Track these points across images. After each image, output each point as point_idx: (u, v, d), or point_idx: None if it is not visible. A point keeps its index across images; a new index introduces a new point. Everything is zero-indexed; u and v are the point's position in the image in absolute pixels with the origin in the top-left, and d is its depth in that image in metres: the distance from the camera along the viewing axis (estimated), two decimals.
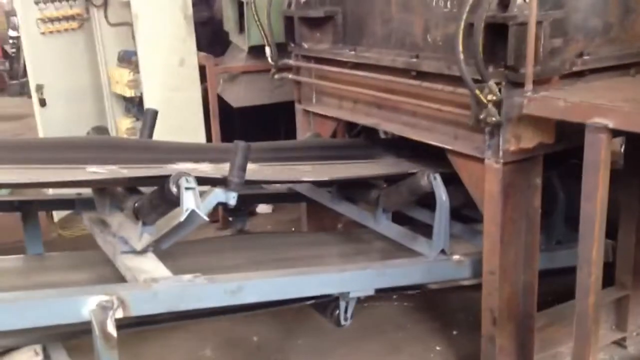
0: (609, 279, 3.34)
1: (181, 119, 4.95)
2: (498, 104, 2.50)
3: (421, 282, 2.79)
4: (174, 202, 2.33)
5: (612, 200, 3.50)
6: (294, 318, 3.44)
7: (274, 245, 3.35)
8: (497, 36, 2.46)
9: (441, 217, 2.80)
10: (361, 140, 3.70)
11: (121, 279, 2.57)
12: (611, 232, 3.35)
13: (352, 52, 3.42)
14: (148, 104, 5.00)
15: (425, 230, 3.27)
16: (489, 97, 2.48)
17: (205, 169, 2.70)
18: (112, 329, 2.08)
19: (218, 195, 2.39)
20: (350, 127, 4.11)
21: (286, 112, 5.71)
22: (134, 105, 5.49)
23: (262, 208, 5.26)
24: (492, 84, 2.45)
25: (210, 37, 5.61)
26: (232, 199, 2.40)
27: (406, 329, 3.47)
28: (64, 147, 2.77)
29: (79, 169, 2.59)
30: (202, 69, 4.90)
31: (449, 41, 2.89)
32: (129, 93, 5.21)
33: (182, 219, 2.23)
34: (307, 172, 2.99)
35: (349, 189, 3.42)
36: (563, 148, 2.70)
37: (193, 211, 2.23)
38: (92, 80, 5.48)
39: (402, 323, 3.51)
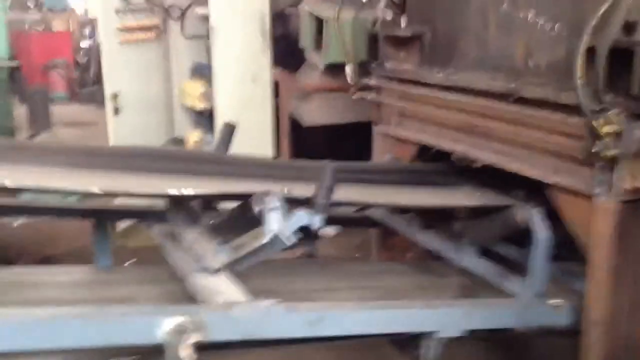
0: None
1: (251, 135, 4.84)
2: (616, 137, 2.26)
3: (513, 326, 2.53)
4: (256, 222, 2.18)
5: None
6: (357, 352, 3.22)
7: (347, 272, 3.16)
8: (619, 62, 2.24)
9: (539, 255, 2.55)
10: (444, 165, 3.48)
11: (191, 299, 2.43)
12: None
13: (440, 75, 3.23)
14: (219, 117, 4.95)
15: (510, 266, 3.04)
16: (607, 128, 2.24)
17: (289, 188, 2.55)
18: (188, 353, 1.92)
19: (302, 217, 2.23)
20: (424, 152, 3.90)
21: (358, 133, 5.58)
22: (204, 118, 5.44)
23: (326, 231, 5.09)
24: (612, 115, 2.22)
25: (284, 53, 5.53)
26: (317, 221, 2.23)
27: None
28: (144, 155, 2.68)
29: (161, 180, 2.49)
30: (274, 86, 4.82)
31: (554, 67, 2.68)
32: (200, 106, 5.17)
33: (264, 241, 2.07)
34: (395, 196, 2.79)
35: (429, 217, 3.20)
36: None
37: (277, 234, 2.06)
38: (164, 91, 5.48)
39: None
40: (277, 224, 2.09)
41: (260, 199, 2.14)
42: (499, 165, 2.90)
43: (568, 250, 2.69)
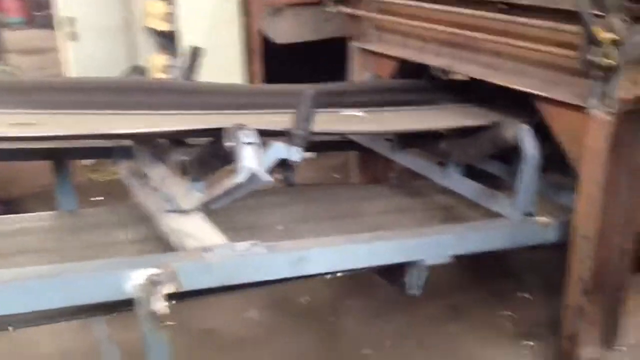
0: None
1: (220, 56, 4.59)
2: (615, 44, 2.08)
3: (503, 247, 2.44)
4: (230, 158, 2.00)
5: None
6: (345, 280, 3.14)
7: (328, 199, 3.01)
8: None
9: (528, 174, 2.43)
10: (426, 81, 3.28)
11: (162, 242, 2.29)
12: None
13: None
14: (185, 39, 4.64)
15: (494, 183, 2.93)
16: (606, 35, 2.05)
17: (264, 119, 2.36)
18: (162, 305, 1.79)
19: (279, 150, 2.05)
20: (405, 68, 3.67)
21: (333, 51, 5.31)
22: (170, 40, 5.12)
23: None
24: (614, 19, 2.03)
25: None
26: (295, 154, 2.05)
27: (468, 292, 3.15)
28: (101, 89, 2.44)
29: (123, 116, 2.28)
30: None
31: None
32: (164, 27, 4.83)
33: (240, 179, 1.89)
34: (379, 122, 2.61)
35: (414, 138, 3.04)
36: None
37: (253, 172, 1.89)
38: (125, 14, 5.12)
39: (462, 285, 3.20)
40: (253, 159, 1.91)
41: (233, 134, 1.95)
42: (485, 79, 2.71)
43: (553, 163, 2.57)
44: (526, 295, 3.06)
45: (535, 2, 2.42)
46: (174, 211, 2.31)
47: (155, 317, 1.79)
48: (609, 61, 2.09)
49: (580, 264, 2.37)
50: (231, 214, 2.56)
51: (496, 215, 2.62)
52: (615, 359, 2.52)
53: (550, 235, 2.47)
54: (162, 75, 4.95)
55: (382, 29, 3.43)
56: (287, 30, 4.60)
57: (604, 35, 2.03)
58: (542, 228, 2.46)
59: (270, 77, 4.91)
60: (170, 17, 4.75)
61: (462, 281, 3.16)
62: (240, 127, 1.96)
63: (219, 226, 2.28)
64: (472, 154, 2.67)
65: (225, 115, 2.47)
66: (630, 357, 2.53)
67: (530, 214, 2.48)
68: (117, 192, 4.21)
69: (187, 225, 2.22)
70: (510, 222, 2.45)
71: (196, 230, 2.18)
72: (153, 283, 1.80)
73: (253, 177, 1.92)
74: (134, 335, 1.86)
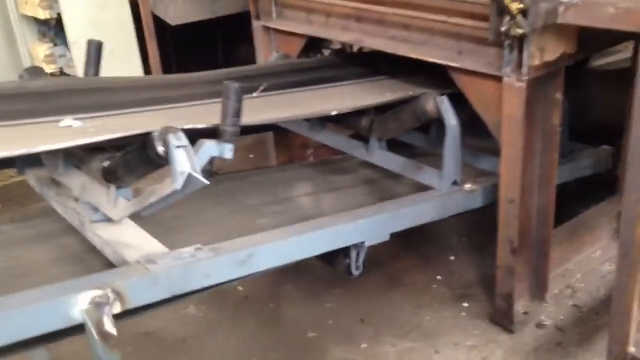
0: (605, 188, 3.27)
1: (111, 41, 4.33)
2: (524, 13, 2.16)
3: (435, 218, 2.53)
4: (160, 163, 1.90)
5: (612, 103, 3.36)
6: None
7: (252, 186, 2.97)
8: None
9: (451, 144, 2.51)
10: (335, 58, 3.28)
11: (95, 252, 2.17)
12: (610, 138, 3.22)
13: None
14: (70, 26, 4.37)
15: (411, 152, 3.01)
16: (515, 5, 2.13)
17: (186, 113, 2.27)
18: (110, 327, 1.70)
19: (211, 148, 1.97)
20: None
21: (225, 27, 5.17)
22: (50, 28, 4.78)
23: None
24: None
25: None
26: (228, 151, 1.99)
27: (401, 259, 3.25)
28: None
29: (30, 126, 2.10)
30: None
31: None
32: (43, 14, 4.50)
33: (178, 186, 1.81)
34: (303, 106, 2.58)
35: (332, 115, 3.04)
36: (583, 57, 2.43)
37: (190, 174, 1.81)
38: None
39: (394, 252, 3.29)
40: (187, 163, 1.83)
41: (162, 138, 1.85)
42: (398, 53, 2.74)
43: (468, 128, 2.67)
44: (452, 257, 3.19)
45: None
46: (102, 221, 2.19)
47: (105, 339, 1.70)
48: (519, 30, 2.17)
49: (508, 226, 2.50)
50: (154, 215, 2.46)
51: (421, 185, 2.70)
52: (544, 309, 2.70)
53: (476, 201, 2.58)
54: (46, 66, 4.64)
55: (284, 6, 3.37)
56: (180, 10, 4.42)
57: (513, 5, 2.11)
58: (469, 195, 2.56)
59: (166, 59, 4.73)
60: (49, 3, 4.43)
61: (393, 250, 3.24)
62: (170, 130, 1.86)
63: (147, 229, 2.19)
64: (394, 128, 2.72)
65: (143, 113, 2.34)
66: (555, 306, 2.73)
67: (456, 183, 2.57)
68: (18, 198, 3.94)
69: (121, 235, 2.11)
70: (440, 193, 2.53)
71: (132, 240, 2.08)
72: (98, 305, 1.71)
73: (190, 181, 1.84)
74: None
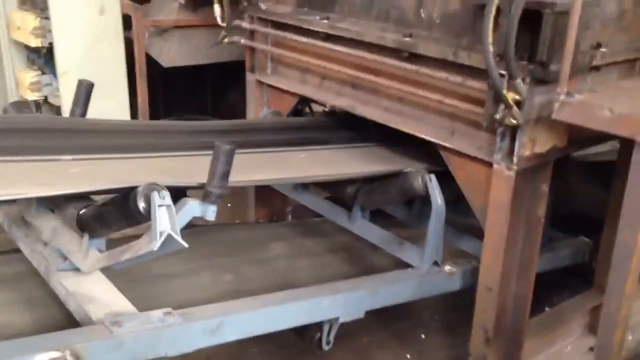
0: (580, 278, 3.26)
1: (101, 77, 4.27)
2: (519, 104, 2.17)
3: (412, 298, 2.48)
4: (140, 219, 1.83)
5: (593, 195, 3.39)
6: None
7: (229, 242, 2.90)
8: (523, 24, 2.11)
9: (436, 225, 2.48)
10: (326, 119, 3.27)
11: (58, 305, 2.07)
12: (589, 229, 3.23)
13: (325, 21, 2.94)
14: (61, 56, 4.31)
15: (393, 223, 2.98)
16: (511, 96, 2.14)
17: (168, 165, 2.21)
18: None
19: (194, 208, 1.92)
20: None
21: (216, 73, 5.18)
22: (40, 56, 4.72)
23: None
24: (519, 83, 2.11)
25: None
26: (211, 212, 1.93)
27: (371, 332, 3.16)
28: None
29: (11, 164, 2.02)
30: (124, 19, 4.23)
31: (449, 19, 2.53)
32: (35, 43, 4.44)
33: (155, 247, 1.74)
34: (293, 170, 2.53)
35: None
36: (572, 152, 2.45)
37: (170, 234, 1.75)
38: None
39: (365, 324, 3.18)
40: (168, 223, 1.77)
41: (145, 194, 1.79)
42: (388, 124, 2.74)
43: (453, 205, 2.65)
44: (423, 336, 3.12)
45: (439, 55, 2.46)
46: (69, 270, 2.09)
47: None
48: (514, 121, 2.18)
49: (483, 314, 2.46)
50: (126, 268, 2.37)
51: (400, 260, 2.66)
52: None
53: (455, 284, 2.55)
54: (30, 93, 4.56)
55: (279, 62, 3.37)
56: (175, 53, 4.41)
57: (510, 95, 2.12)
58: (448, 277, 2.52)
59: (154, 99, 4.69)
60: (42, 32, 4.38)
61: (364, 321, 3.14)
62: (154, 187, 1.80)
63: (115, 280, 2.10)
64: (379, 200, 2.69)
65: (128, 160, 2.28)
66: None
67: (436, 264, 2.53)
68: None
69: (87, 287, 2.02)
70: (419, 273, 2.49)
71: (99, 294, 1.98)
72: None
73: (168, 242, 1.78)
74: None
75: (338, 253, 2.93)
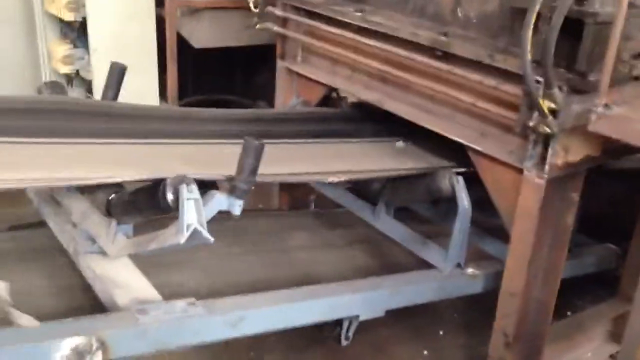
0: (607, 286, 3.23)
1: (132, 55, 4.32)
2: (554, 113, 2.14)
3: (433, 299, 2.48)
4: (167, 210, 1.85)
5: (621, 201, 3.34)
6: None
7: (252, 231, 2.92)
8: (562, 32, 2.06)
9: (461, 227, 2.47)
10: (354, 111, 3.24)
11: (84, 287, 2.10)
12: (616, 237, 3.19)
13: (359, 14, 2.91)
14: (93, 32, 4.33)
15: (415, 219, 2.96)
16: (547, 104, 2.11)
17: (196, 153, 2.22)
18: None
19: (220, 202, 1.93)
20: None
21: (246, 53, 5.16)
22: (73, 29, 4.74)
23: None
24: (556, 92, 2.07)
25: None
26: (237, 207, 1.94)
27: (389, 326, 3.17)
28: (8, 110, 2.18)
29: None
30: None
31: (486, 20, 2.49)
32: (68, 16, 4.46)
33: (182, 240, 1.75)
34: (320, 165, 2.52)
35: None
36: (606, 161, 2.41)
37: (197, 229, 1.76)
38: None
39: (383, 318, 3.19)
40: (195, 216, 1.78)
41: (174, 186, 1.80)
42: (419, 123, 2.71)
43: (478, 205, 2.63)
44: (442, 332, 3.12)
45: (474, 56, 2.42)
46: (99, 253, 2.13)
47: None
48: (548, 129, 2.15)
49: (505, 319, 2.44)
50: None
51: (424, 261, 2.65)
52: None
53: (477, 286, 2.54)
54: (62, 66, 4.60)
55: (310, 51, 3.35)
56: (206, 33, 4.41)
57: (546, 104, 2.08)
58: (471, 280, 2.51)
59: (183, 79, 4.71)
60: (76, 6, 4.40)
61: (383, 316, 3.18)
62: (183, 180, 1.81)
63: (140, 264, 2.13)
64: (405, 198, 2.68)
65: (158, 147, 2.30)
66: None
67: (459, 266, 2.52)
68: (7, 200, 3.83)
69: (114, 272, 2.05)
70: (441, 275, 2.48)
71: (125, 279, 2.01)
72: (79, 354, 1.64)
73: (194, 235, 1.79)
74: None
75: (360, 245, 2.93)
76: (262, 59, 4.84)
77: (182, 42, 4.50)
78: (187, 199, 1.78)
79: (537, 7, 1.98)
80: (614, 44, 1.90)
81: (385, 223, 2.78)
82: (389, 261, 2.73)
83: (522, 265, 2.38)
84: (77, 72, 4.77)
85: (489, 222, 2.81)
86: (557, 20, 1.94)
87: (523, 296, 2.43)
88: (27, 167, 1.90)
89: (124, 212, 2.03)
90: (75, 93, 4.67)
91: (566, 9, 1.93)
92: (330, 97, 3.38)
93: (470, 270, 2.54)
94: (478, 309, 3.04)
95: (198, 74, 5.15)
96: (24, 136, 2.10)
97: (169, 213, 1.88)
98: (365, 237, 3.05)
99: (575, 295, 3.25)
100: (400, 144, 2.77)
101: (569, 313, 3.21)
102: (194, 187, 1.81)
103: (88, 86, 4.65)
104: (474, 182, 2.54)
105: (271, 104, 3.95)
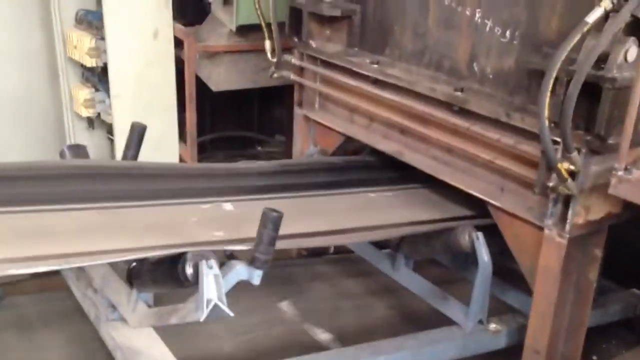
0: (632, 328, 3.17)
1: (152, 98, 4.38)
2: (573, 175, 2.12)
3: (456, 357, 2.45)
4: (187, 285, 1.87)
5: None
6: None
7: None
8: (580, 94, 2.05)
9: (482, 282, 2.45)
10: (371, 158, 3.24)
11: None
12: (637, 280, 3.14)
13: (375, 66, 2.93)
14: (114, 77, 4.39)
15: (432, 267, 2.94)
16: (566, 166, 2.09)
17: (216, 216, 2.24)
18: None
19: (240, 273, 1.94)
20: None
21: (262, 95, 5.23)
22: (94, 74, 4.82)
23: None
24: (576, 156, 2.06)
25: (181, 4, 4.94)
26: (256, 277, 1.95)
27: None
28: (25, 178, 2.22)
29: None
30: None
31: (502, 76, 2.48)
32: (90, 63, 4.54)
33: (201, 317, 1.76)
34: (339, 222, 2.52)
35: None
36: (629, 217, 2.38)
37: (217, 304, 1.77)
38: (45, 42, 4.76)
39: None
40: (215, 291, 1.79)
41: (194, 261, 1.82)
42: (438, 176, 2.71)
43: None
44: None
45: (492, 114, 2.41)
46: (120, 320, 2.15)
47: None
48: (567, 191, 2.13)
49: None
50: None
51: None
52: None
53: (500, 342, 2.51)
54: (84, 110, 4.68)
55: (327, 99, 3.37)
56: (223, 77, 4.46)
57: (564, 166, 2.07)
58: (493, 336, 2.48)
59: (201, 119, 4.76)
60: (97, 52, 4.48)
61: None
62: (202, 255, 1.83)
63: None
64: (424, 252, 2.67)
65: (178, 205, 2.32)
66: None
67: (481, 322, 2.50)
68: None
69: (134, 341, 2.06)
70: (463, 332, 2.46)
71: (145, 349, 2.03)
72: None
73: (215, 311, 1.80)
74: None
75: (381, 296, 2.92)
76: (278, 95, 4.89)
77: (200, 81, 4.55)
78: (207, 275, 1.79)
79: (555, 73, 1.97)
80: (633, 110, 1.89)
81: (405, 276, 2.77)
82: (412, 311, 2.71)
83: (545, 322, 2.36)
84: (99, 115, 4.85)
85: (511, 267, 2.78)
86: (575, 88, 1.93)
87: (547, 353, 2.40)
88: (49, 241, 1.92)
89: (143, 282, 2.05)
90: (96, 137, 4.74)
91: (583, 78, 1.92)
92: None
93: (493, 326, 2.51)
94: (502, 356, 3.00)
95: (216, 112, 5.21)
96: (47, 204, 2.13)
97: (189, 287, 1.89)
98: (387, 286, 3.03)
99: (600, 339, 3.20)
100: None
101: (594, 357, 3.16)
102: (214, 262, 1.83)
103: (109, 128, 4.72)
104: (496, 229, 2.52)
105: (289, 138, 3.96)
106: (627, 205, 2.31)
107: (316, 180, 2.90)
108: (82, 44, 4.41)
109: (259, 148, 5.64)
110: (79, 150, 2.56)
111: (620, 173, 1.99)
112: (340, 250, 3.51)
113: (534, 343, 2.39)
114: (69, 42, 4.65)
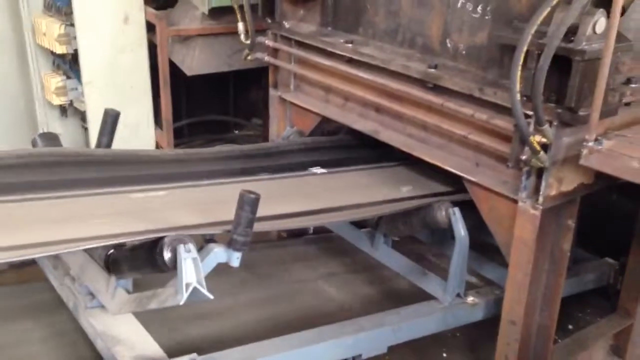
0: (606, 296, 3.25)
1: (126, 85, 4.34)
2: (545, 147, 2.15)
3: (435, 331, 2.49)
4: (165, 269, 1.86)
5: (620, 215, 3.35)
6: None
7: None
8: (550, 67, 2.07)
9: (459, 257, 2.48)
10: (349, 138, 3.25)
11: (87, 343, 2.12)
12: (613, 250, 3.20)
13: (349, 45, 2.92)
14: (85, 64, 4.33)
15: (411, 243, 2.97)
16: (538, 139, 2.12)
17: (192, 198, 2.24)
18: None
19: (219, 255, 1.94)
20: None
21: (238, 79, 5.19)
22: (65, 61, 4.75)
23: None
24: (547, 129, 2.09)
25: None
26: (235, 259, 1.95)
27: (393, 350, 3.14)
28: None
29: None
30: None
31: (475, 52, 2.50)
32: (60, 49, 4.46)
33: (182, 301, 1.77)
34: (318, 201, 2.53)
35: None
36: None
37: (196, 287, 1.78)
38: (13, 29, 4.67)
39: None
40: (194, 275, 1.79)
41: (172, 246, 1.82)
42: (414, 154, 2.72)
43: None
44: (445, 354, 3.13)
45: (465, 90, 2.43)
46: (97, 307, 2.14)
47: None
48: (540, 163, 2.16)
49: (507, 346, 2.46)
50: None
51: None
52: None
53: (478, 315, 2.56)
54: (56, 98, 4.61)
55: (302, 79, 3.36)
56: (197, 61, 4.41)
57: (535, 139, 2.09)
58: (471, 309, 2.53)
59: (177, 104, 4.72)
60: (67, 39, 4.40)
61: None
62: (180, 239, 1.82)
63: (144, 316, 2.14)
64: (402, 229, 2.69)
65: (157, 190, 2.31)
66: None
67: (459, 296, 2.54)
68: None
69: (115, 328, 2.07)
70: (441, 306, 2.50)
71: (126, 336, 2.03)
72: None
73: (194, 294, 1.81)
74: None
75: (361, 273, 2.95)
76: (254, 77, 4.86)
77: (174, 66, 4.50)
78: (185, 259, 1.79)
79: (525, 47, 1.99)
80: (602, 82, 1.92)
81: (384, 254, 2.80)
82: (392, 288, 2.74)
83: (521, 293, 2.40)
84: (71, 103, 4.78)
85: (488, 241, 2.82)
86: (545, 61, 1.95)
87: (524, 324, 2.45)
88: (25, 231, 1.90)
89: (122, 268, 2.04)
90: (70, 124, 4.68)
91: (553, 51, 1.94)
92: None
93: (470, 299, 2.56)
94: (480, 327, 3.05)
95: (191, 96, 5.16)
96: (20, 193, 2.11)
97: (167, 271, 1.89)
98: (367, 263, 3.06)
99: (576, 308, 3.27)
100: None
101: (570, 326, 3.24)
102: (192, 245, 1.83)
103: (82, 116, 4.65)
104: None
105: (265, 121, 3.94)
106: (599, 175, 2.36)
107: (293, 161, 2.90)
108: (51, 30, 4.34)
109: (236, 132, 5.62)
110: (51, 138, 2.53)
111: (590, 144, 2.02)
112: (320, 230, 3.53)
113: (510, 314, 2.44)
114: (37, 29, 4.56)
